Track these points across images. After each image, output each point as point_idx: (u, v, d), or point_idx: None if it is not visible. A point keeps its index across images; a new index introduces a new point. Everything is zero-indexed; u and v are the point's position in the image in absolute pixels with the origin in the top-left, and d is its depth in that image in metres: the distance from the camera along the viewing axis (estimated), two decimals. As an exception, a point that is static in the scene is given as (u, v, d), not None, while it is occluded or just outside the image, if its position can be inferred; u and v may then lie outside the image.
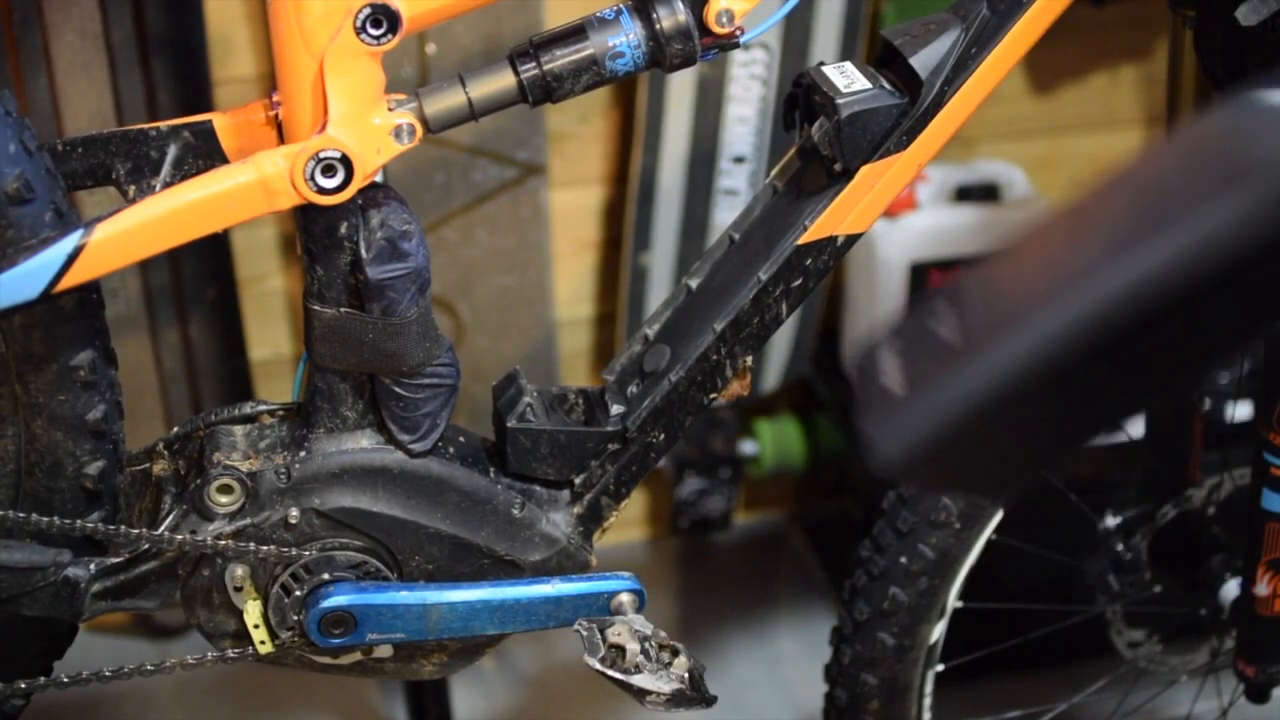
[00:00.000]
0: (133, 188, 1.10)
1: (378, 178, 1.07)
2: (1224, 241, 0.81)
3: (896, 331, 0.97)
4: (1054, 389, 0.88)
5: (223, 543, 1.13)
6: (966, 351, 0.90)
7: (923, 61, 1.09)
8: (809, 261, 1.12)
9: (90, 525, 1.11)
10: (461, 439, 1.19)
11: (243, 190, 1.04)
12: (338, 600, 1.14)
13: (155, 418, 1.83)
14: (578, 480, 1.18)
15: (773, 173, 1.18)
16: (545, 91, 1.06)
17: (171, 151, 1.10)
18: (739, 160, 1.86)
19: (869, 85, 1.10)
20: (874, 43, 1.85)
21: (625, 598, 1.17)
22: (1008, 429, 0.91)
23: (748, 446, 2.15)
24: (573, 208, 1.93)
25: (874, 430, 0.94)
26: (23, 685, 1.17)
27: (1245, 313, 0.86)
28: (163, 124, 1.11)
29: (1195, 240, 0.82)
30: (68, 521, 1.10)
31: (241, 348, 1.86)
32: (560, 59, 1.05)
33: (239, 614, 1.16)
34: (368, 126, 1.03)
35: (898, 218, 1.93)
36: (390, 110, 1.04)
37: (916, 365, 0.94)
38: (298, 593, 1.15)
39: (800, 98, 1.15)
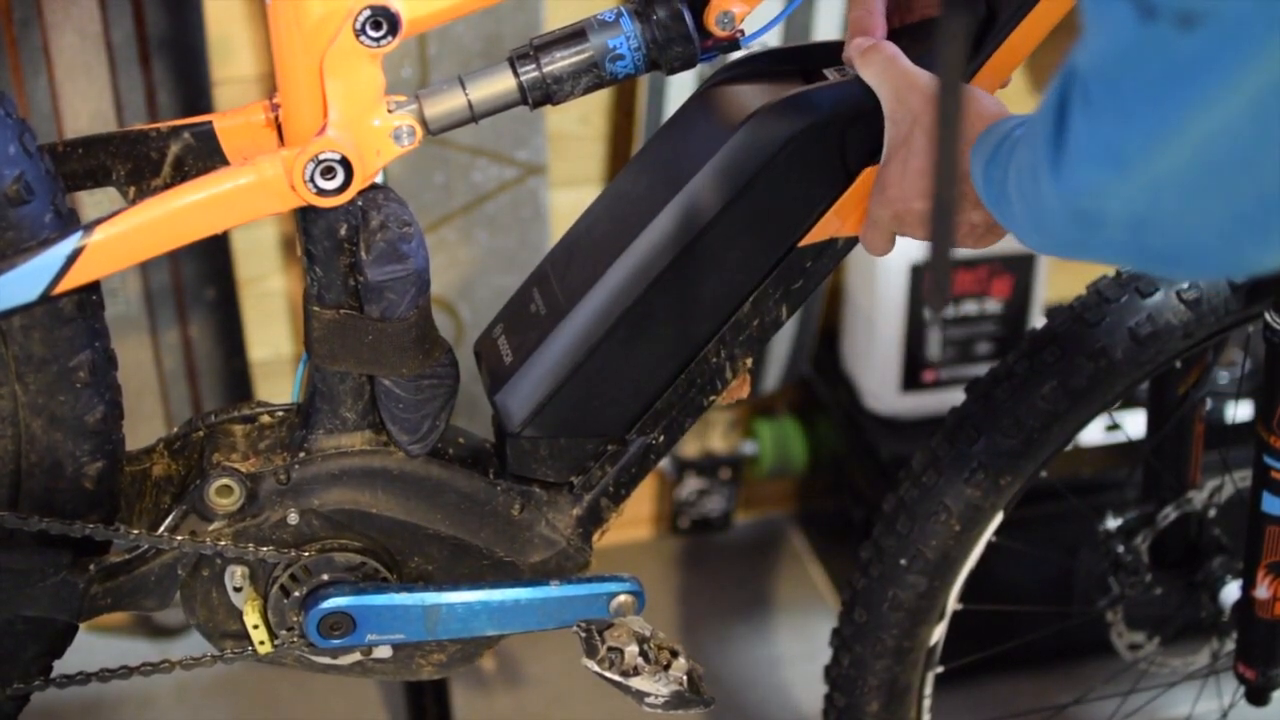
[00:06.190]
0: (132, 189, 1.10)
1: (378, 179, 1.07)
2: (721, 179, 1.06)
3: (502, 315, 1.18)
4: (627, 330, 1.09)
5: (222, 543, 1.13)
6: (550, 317, 1.11)
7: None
8: (809, 264, 1.12)
9: (90, 526, 1.11)
10: (461, 440, 1.19)
11: (242, 192, 1.04)
12: (337, 601, 1.14)
13: (155, 418, 1.83)
14: (577, 482, 1.18)
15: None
16: (545, 93, 1.06)
17: (171, 153, 1.10)
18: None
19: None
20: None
21: (624, 599, 1.17)
22: (602, 372, 1.11)
23: (748, 446, 2.15)
24: (573, 208, 1.92)
25: (499, 398, 1.13)
26: (22, 685, 1.17)
27: (749, 241, 1.08)
28: (162, 125, 1.11)
29: (703, 185, 1.06)
30: (67, 522, 1.10)
31: (241, 348, 1.86)
32: (560, 61, 1.05)
33: (238, 614, 1.16)
34: (367, 129, 1.03)
35: (898, 218, 1.93)
36: (390, 112, 1.04)
37: (517, 338, 1.14)
38: (297, 593, 1.15)
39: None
